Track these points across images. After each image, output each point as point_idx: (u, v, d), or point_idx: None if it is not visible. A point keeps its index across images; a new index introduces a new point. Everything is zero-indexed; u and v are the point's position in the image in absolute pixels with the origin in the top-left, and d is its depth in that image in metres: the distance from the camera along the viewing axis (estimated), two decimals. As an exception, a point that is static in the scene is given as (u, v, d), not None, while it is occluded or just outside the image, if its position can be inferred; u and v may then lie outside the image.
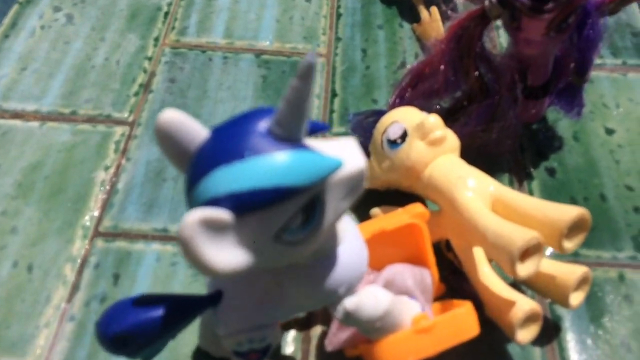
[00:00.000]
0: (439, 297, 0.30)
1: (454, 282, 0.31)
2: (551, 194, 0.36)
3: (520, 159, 0.38)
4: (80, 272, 0.33)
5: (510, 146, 0.35)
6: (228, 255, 0.17)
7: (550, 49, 0.33)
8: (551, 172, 0.37)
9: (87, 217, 0.35)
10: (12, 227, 0.34)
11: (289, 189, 0.17)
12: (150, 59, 0.44)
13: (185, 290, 0.32)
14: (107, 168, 0.37)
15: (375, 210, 0.33)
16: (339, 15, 0.47)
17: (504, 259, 0.26)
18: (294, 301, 0.22)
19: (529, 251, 0.26)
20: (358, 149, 0.19)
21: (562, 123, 0.39)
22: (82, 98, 0.41)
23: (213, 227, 0.16)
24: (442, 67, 0.33)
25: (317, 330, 0.31)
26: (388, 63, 0.44)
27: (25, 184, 0.36)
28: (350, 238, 0.22)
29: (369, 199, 0.34)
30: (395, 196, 0.33)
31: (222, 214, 0.16)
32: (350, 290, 0.23)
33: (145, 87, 0.42)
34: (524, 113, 0.37)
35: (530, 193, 0.36)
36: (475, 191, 0.29)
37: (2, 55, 0.44)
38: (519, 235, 0.25)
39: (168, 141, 0.18)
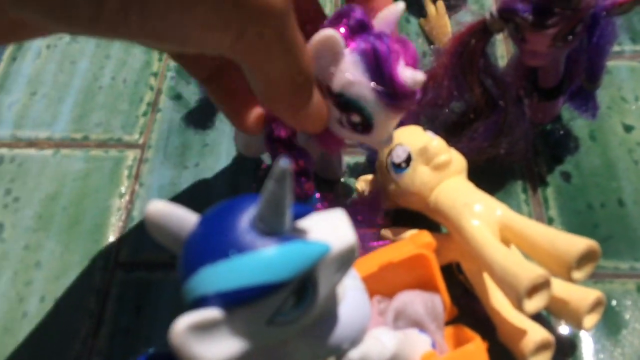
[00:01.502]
0: (452, 321, 0.31)
1: (466, 304, 0.31)
2: (566, 201, 0.35)
3: (534, 165, 0.36)
4: (103, 305, 0.34)
5: (522, 156, 0.34)
6: (222, 347, 0.17)
7: (559, 56, 0.32)
8: (566, 177, 0.36)
9: (106, 248, 0.36)
10: (36, 262, 0.36)
11: (276, 284, 0.17)
12: (155, 74, 0.44)
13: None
14: (121, 195, 0.38)
15: (385, 232, 0.33)
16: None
17: (511, 296, 0.25)
18: (299, 357, 0.23)
19: (537, 287, 0.25)
20: (348, 222, 0.19)
21: (578, 121, 0.38)
22: (92, 122, 0.42)
23: (203, 328, 0.17)
24: (445, 82, 0.32)
25: None
26: (396, 64, 0.42)
27: (45, 216, 0.38)
28: (351, 295, 0.23)
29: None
30: (408, 214, 0.33)
31: (211, 313, 0.17)
32: (355, 344, 0.23)
33: (153, 106, 0.42)
34: (537, 115, 0.36)
35: (545, 201, 0.35)
36: (482, 218, 0.28)
37: (12, 79, 0.44)
38: (525, 274, 0.25)
39: (159, 231, 0.19)
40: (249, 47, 0.19)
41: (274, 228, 0.17)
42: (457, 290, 0.31)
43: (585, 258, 0.26)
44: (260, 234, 0.17)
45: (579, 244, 0.25)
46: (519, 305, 0.25)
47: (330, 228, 0.19)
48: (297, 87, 0.22)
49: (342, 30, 0.24)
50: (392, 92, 0.23)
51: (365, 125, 0.25)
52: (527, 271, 0.25)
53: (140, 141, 0.40)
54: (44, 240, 0.37)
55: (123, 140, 0.41)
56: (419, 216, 0.32)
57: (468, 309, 0.31)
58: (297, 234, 0.18)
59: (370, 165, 0.37)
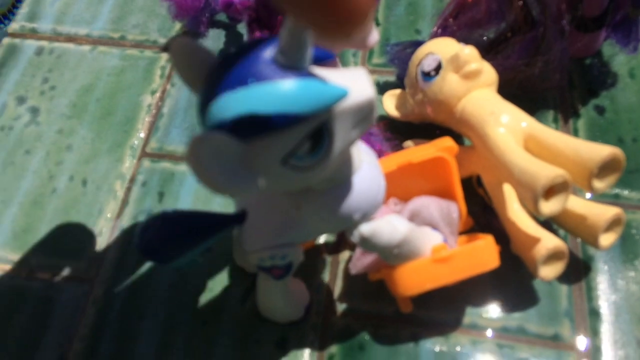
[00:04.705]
0: (466, 231, 0.31)
1: (483, 217, 0.31)
2: (597, 133, 0.34)
3: (568, 96, 0.36)
4: (129, 189, 0.35)
5: (557, 82, 0.34)
6: (234, 176, 0.18)
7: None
8: (600, 110, 0.35)
9: (135, 139, 0.37)
10: (68, 145, 0.37)
11: (292, 116, 0.17)
12: (196, -16, 0.44)
13: (224, 210, 0.34)
14: (153, 92, 0.39)
15: (407, 143, 0.33)
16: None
17: (528, 196, 0.25)
18: (311, 224, 0.23)
19: (555, 189, 0.25)
20: (368, 79, 0.19)
21: (618, 58, 0.37)
22: (130, 23, 0.42)
23: (219, 149, 0.17)
24: (485, -5, 0.31)
25: (345, 255, 0.32)
26: (436, -10, 0.42)
27: (79, 105, 0.39)
28: (367, 168, 0.23)
29: (403, 131, 0.34)
30: (430, 129, 0.33)
31: (228, 138, 0.17)
32: (366, 217, 0.23)
33: (191, 13, 0.42)
34: (574, 46, 0.35)
35: (575, 132, 0.35)
36: (507, 127, 0.28)
37: (58, -21, 0.45)
38: (544, 173, 0.25)
39: (182, 65, 0.19)
40: None
41: (294, 61, 0.17)
42: (475, 205, 0.31)
43: (609, 167, 0.26)
44: (280, 68, 0.17)
45: (603, 150, 0.25)
46: (534, 207, 0.25)
47: (350, 79, 0.19)
48: None
49: None
50: None
51: None
52: (547, 170, 0.25)
53: (176, 44, 0.41)
54: (77, 126, 0.38)
55: (159, 43, 0.41)
56: (443, 131, 0.32)
57: (484, 223, 0.31)
58: (317, 75, 0.18)
59: (400, 82, 0.37)
